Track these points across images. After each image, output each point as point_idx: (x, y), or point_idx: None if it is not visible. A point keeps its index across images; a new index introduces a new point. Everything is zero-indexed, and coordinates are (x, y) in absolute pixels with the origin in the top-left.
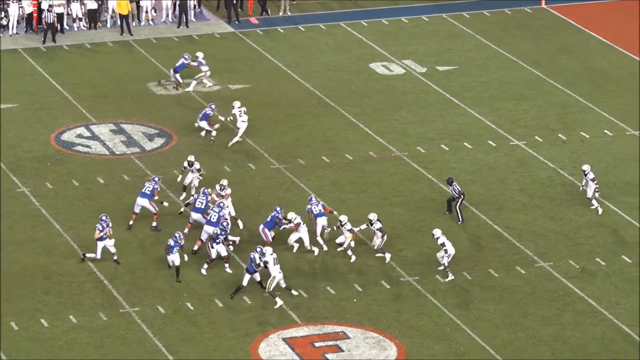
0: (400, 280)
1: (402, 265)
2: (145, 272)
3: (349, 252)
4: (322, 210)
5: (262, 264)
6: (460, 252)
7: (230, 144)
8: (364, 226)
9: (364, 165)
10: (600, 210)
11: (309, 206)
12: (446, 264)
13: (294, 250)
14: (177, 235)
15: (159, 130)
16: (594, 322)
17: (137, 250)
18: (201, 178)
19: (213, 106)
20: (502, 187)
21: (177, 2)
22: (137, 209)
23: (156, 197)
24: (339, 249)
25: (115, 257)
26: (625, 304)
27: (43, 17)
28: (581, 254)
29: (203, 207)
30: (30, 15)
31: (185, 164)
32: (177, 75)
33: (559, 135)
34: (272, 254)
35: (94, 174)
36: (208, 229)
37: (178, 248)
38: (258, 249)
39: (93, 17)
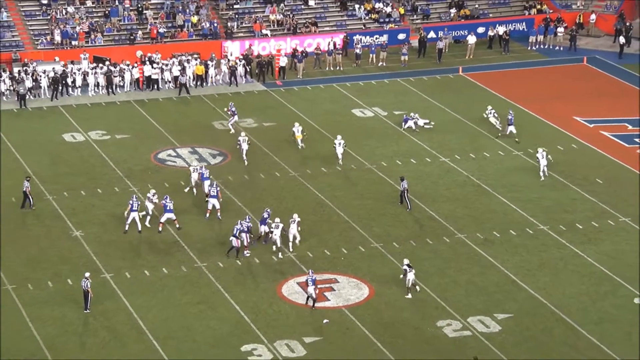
0: (370, 246)
1: (372, 237)
2: (210, 242)
3: (410, 291)
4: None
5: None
6: (408, 229)
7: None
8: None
9: (348, 174)
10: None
11: (231, 108)
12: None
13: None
14: (311, 276)
15: (219, 152)
16: (492, 272)
17: (204, 230)
18: (248, 144)
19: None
20: (434, 187)
21: (230, 70)
22: (209, 206)
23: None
24: (409, 295)
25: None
26: (512, 261)
27: (179, 79)
28: (484, 229)
29: (215, 194)
30: (137, 79)
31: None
32: (511, 128)
33: (470, 154)
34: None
35: (178, 179)
36: (212, 200)
37: (313, 285)
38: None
39: (176, 80)
